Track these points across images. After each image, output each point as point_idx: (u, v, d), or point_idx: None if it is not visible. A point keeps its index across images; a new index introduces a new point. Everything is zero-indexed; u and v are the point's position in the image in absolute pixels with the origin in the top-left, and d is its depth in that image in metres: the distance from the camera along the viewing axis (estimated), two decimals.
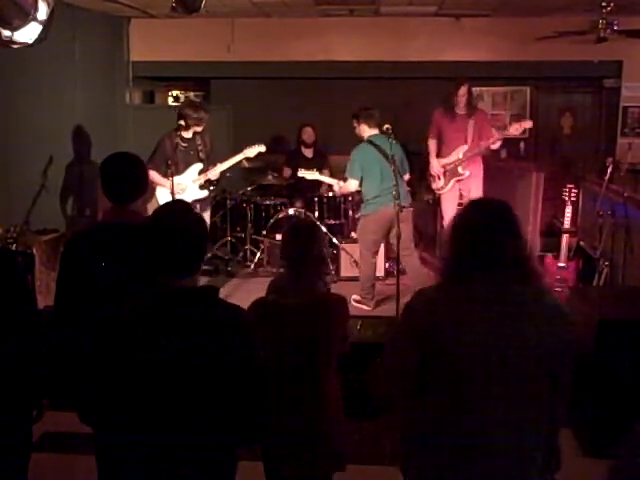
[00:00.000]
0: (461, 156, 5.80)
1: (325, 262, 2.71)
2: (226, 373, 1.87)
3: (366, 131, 5.46)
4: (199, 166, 5.66)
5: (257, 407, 1.97)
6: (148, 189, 2.96)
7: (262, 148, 5.90)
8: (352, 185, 5.47)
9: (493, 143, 5.76)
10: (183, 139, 5.55)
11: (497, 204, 2.12)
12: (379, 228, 5.48)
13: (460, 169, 5.83)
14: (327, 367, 2.60)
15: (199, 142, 5.66)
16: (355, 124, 5.57)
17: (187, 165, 5.63)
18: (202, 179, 5.67)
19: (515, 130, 5.74)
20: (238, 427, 1.94)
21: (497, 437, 1.95)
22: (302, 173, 6.09)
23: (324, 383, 2.60)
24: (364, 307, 5.51)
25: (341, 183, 5.75)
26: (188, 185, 5.61)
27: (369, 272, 5.62)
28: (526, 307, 1.99)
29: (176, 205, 2.16)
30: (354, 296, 5.67)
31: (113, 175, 2.76)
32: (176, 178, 5.26)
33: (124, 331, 1.90)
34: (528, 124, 5.90)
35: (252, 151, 5.84)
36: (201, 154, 5.67)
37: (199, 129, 5.61)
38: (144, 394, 1.86)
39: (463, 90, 5.81)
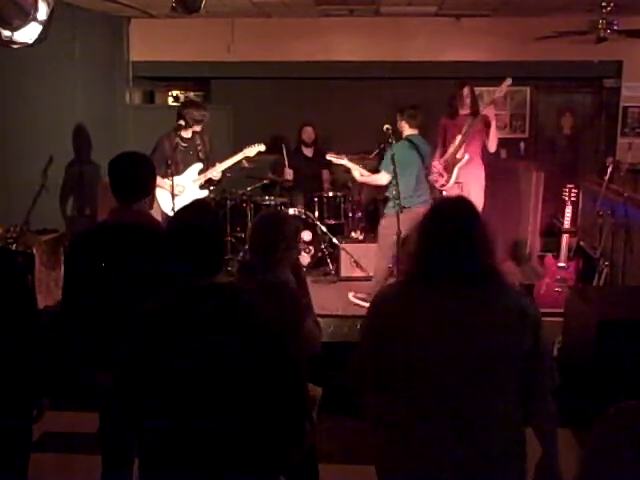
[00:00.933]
0: (457, 143, 5.81)
1: (274, 255, 2.70)
2: (256, 370, 1.87)
3: (406, 129, 5.43)
4: (199, 166, 5.65)
5: (294, 408, 1.96)
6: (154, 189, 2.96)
7: (262, 147, 5.89)
8: (384, 179, 5.34)
9: (486, 110, 5.80)
10: (183, 139, 5.54)
11: (461, 202, 2.12)
12: (405, 229, 5.43)
13: (458, 155, 5.83)
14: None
15: (199, 142, 5.65)
16: (398, 118, 5.52)
17: (187, 165, 5.62)
18: (202, 179, 5.68)
19: (500, 92, 5.85)
20: (279, 428, 1.92)
21: (457, 439, 1.92)
22: (330, 156, 5.89)
23: None
24: (366, 304, 5.46)
25: (363, 172, 5.63)
26: (187, 185, 5.60)
27: (384, 274, 5.46)
28: (486, 307, 1.97)
29: (194, 207, 2.14)
30: (358, 294, 5.62)
31: (119, 174, 2.76)
32: (176, 178, 5.26)
33: (155, 327, 1.91)
34: (507, 82, 5.98)
35: (252, 150, 5.84)
36: (201, 154, 5.66)
37: (198, 129, 5.60)
38: (174, 392, 1.86)
39: (467, 90, 5.86)
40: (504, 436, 1.97)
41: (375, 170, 5.74)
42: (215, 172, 5.69)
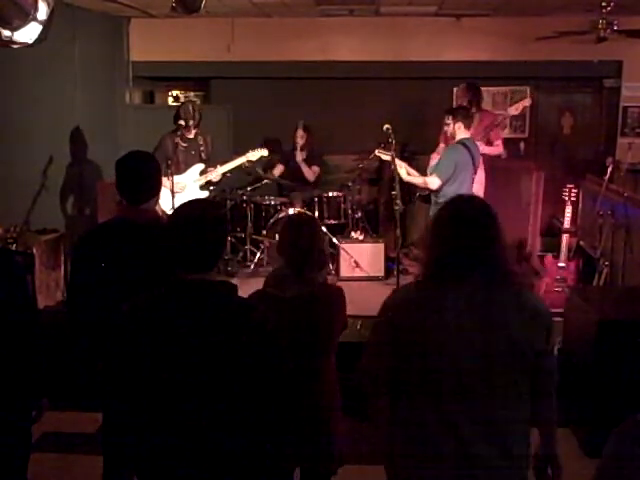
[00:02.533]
0: None
1: (324, 254, 2.71)
2: (240, 369, 1.85)
3: (461, 132, 5.22)
4: (200, 166, 5.66)
5: (275, 407, 1.95)
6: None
7: (265, 152, 5.88)
8: (435, 183, 5.13)
9: (492, 123, 5.89)
10: (184, 139, 5.54)
11: (476, 203, 2.13)
12: None
13: None
14: (327, 360, 2.59)
15: (201, 142, 5.65)
16: (448, 121, 5.25)
17: (188, 165, 5.63)
18: (203, 180, 5.67)
19: (515, 110, 5.90)
20: (259, 427, 1.92)
21: (475, 437, 1.94)
22: (379, 152, 5.57)
23: (323, 377, 2.59)
24: None
25: (411, 170, 5.35)
26: (188, 185, 5.61)
27: None
28: (504, 307, 1.98)
29: (197, 202, 2.18)
30: None
31: (128, 175, 2.76)
32: (177, 177, 5.25)
33: (140, 323, 1.91)
34: (527, 102, 5.97)
35: (254, 155, 5.83)
36: (203, 154, 5.67)
37: (192, 129, 5.56)
38: (158, 386, 1.86)
39: (456, 91, 5.96)
40: (519, 433, 2.00)
41: (377, 171, 5.72)
42: (216, 174, 5.69)
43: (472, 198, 2.18)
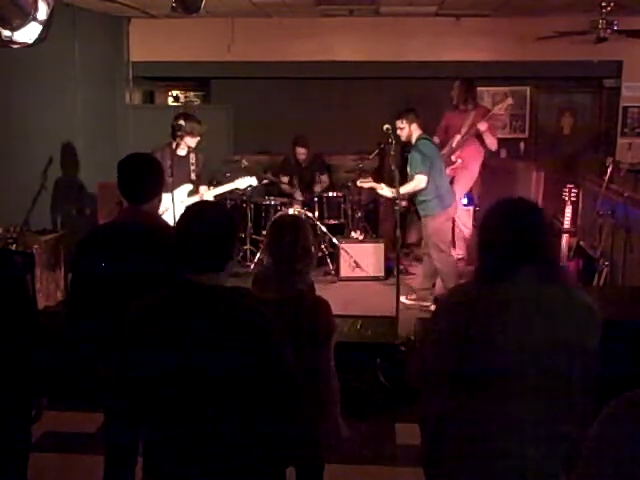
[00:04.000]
0: (454, 145, 5.91)
1: (310, 258, 2.67)
2: (247, 375, 1.85)
3: (417, 130, 5.31)
4: (189, 187, 5.32)
5: (287, 414, 1.95)
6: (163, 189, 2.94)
7: (253, 182, 5.68)
8: (422, 181, 5.18)
9: (482, 117, 5.99)
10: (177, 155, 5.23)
11: (527, 203, 2.13)
12: (450, 226, 5.51)
13: (453, 157, 5.92)
14: (310, 360, 2.56)
15: (192, 161, 5.32)
16: (402, 124, 5.29)
17: (176, 184, 5.08)
18: (190, 201, 5.39)
19: (499, 110, 6.08)
20: (270, 434, 1.92)
21: (529, 437, 1.94)
22: (360, 183, 5.73)
23: (309, 378, 2.56)
24: (425, 303, 5.49)
25: (381, 186, 5.46)
26: (170, 207, 4.91)
27: (453, 271, 5.38)
28: (559, 306, 1.99)
29: (206, 204, 2.21)
30: (410, 296, 5.59)
31: (129, 176, 2.77)
32: (165, 196, 4.86)
33: (146, 325, 1.92)
34: (509, 101, 6.19)
35: (243, 183, 5.65)
36: (192, 174, 5.33)
37: (193, 143, 5.23)
38: (161, 388, 1.87)
39: (453, 87, 6.09)
40: (568, 435, 1.97)
41: (377, 171, 5.73)
42: (203, 198, 5.41)
43: (519, 199, 2.16)
